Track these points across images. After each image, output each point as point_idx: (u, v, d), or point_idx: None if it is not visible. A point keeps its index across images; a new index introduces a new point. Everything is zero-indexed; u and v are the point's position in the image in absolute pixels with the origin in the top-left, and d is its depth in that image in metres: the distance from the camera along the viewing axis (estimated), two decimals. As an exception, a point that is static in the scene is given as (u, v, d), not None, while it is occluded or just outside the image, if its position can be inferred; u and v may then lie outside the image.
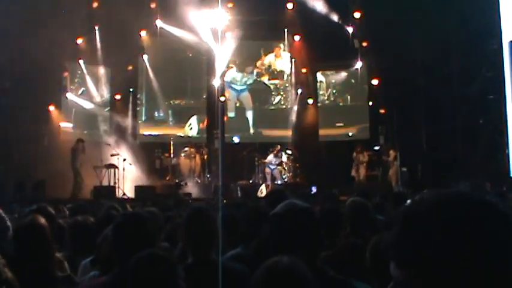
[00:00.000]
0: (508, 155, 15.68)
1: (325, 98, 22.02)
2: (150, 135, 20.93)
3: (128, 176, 17.55)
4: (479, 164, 15.57)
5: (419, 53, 18.04)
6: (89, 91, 19.63)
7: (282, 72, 21.91)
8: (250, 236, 4.00)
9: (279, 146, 18.78)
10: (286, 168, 18.67)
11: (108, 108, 20.07)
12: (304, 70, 21.29)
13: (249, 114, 21.68)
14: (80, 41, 18.95)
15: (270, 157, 18.41)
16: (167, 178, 18.63)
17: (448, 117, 17.43)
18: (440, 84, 17.12)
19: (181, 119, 21.27)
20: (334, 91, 21.95)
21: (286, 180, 18.41)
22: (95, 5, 18.92)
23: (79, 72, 19.56)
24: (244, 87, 21.68)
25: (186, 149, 19.07)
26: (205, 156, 19.10)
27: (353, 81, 21.41)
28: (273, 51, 21.79)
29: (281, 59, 21.83)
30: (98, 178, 17.04)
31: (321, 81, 21.92)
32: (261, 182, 18.13)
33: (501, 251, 1.07)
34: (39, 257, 3.34)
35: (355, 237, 4.21)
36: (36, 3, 16.37)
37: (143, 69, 20.74)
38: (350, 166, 18.58)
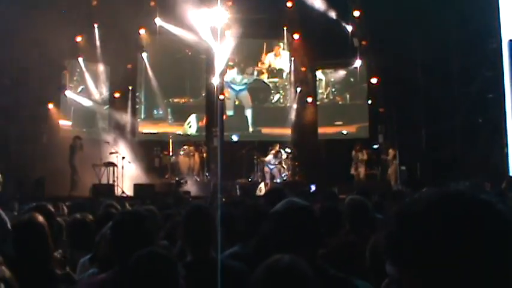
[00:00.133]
0: (507, 153, 15.70)
1: (325, 96, 22.01)
2: (149, 133, 20.92)
3: (126, 174, 17.53)
4: (479, 162, 15.57)
5: (418, 52, 18.03)
6: (88, 89, 19.62)
7: (281, 71, 21.91)
8: (248, 234, 3.99)
9: (278, 145, 18.75)
10: (285, 166, 18.66)
11: (107, 106, 20.06)
12: (303, 68, 21.27)
13: (248, 113, 21.68)
14: (79, 39, 18.92)
15: (270, 157, 18.39)
16: (166, 176, 18.62)
17: (448, 116, 17.43)
18: (439, 83, 17.11)
19: (180, 117, 21.26)
20: (333, 90, 21.94)
21: (285, 178, 18.40)
22: (94, 3, 18.90)
23: (78, 70, 19.54)
24: (243, 87, 21.69)
25: (185, 147, 19.06)
26: (204, 155, 19.11)
27: (352, 79, 21.40)
28: (272, 50, 21.79)
29: (280, 58, 21.82)
30: (97, 176, 17.03)
31: (320, 80, 21.91)
32: (260, 181, 18.13)
33: (500, 250, 1.07)
34: (38, 255, 3.33)
35: (355, 236, 4.21)
36: (36, 2, 16.36)
37: (142, 68, 20.73)
38: (349, 165, 18.58)
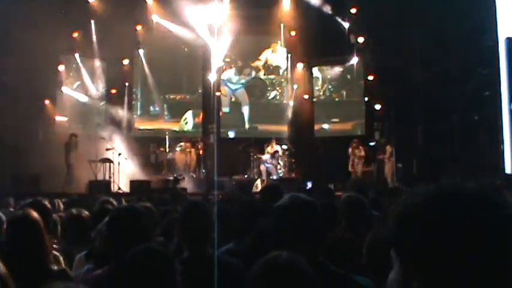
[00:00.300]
0: (503, 151, 15.72)
1: (321, 93, 22.01)
2: (145, 129, 20.89)
3: (123, 170, 17.51)
4: (475, 160, 15.60)
5: (415, 49, 18.03)
6: (84, 85, 19.59)
7: (278, 68, 21.90)
8: (243, 231, 3.99)
9: (274, 141, 18.73)
10: (281, 163, 18.66)
11: (104, 102, 20.02)
12: (300, 65, 21.27)
13: (245, 110, 21.67)
14: (75, 34, 18.87)
15: (267, 156, 18.36)
16: (163, 173, 18.61)
17: (444, 113, 17.44)
18: (436, 80, 17.13)
19: (176, 114, 21.25)
20: (330, 86, 21.94)
21: (281, 175, 18.40)
22: (91, -2, 18.91)
23: (74, 66, 19.50)
24: (239, 86, 21.70)
25: (182, 143, 19.05)
26: (201, 151, 19.08)
27: (349, 76, 21.40)
28: (269, 47, 21.77)
29: (277, 54, 21.81)
30: (93, 172, 17.02)
31: (316, 77, 21.90)
32: (256, 177, 18.12)
33: (501, 245, 1.07)
34: (32, 251, 3.32)
35: (351, 232, 4.22)
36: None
37: (139, 64, 20.70)
38: (346, 161, 18.59)
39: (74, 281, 3.45)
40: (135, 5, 19.38)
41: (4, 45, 15.73)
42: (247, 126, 21.61)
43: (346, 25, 19.89)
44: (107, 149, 17.43)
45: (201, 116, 21.00)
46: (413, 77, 17.82)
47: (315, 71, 21.78)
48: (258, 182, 17.42)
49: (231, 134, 21.00)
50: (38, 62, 16.01)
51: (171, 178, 17.35)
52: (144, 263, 2.44)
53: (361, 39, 19.73)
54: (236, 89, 21.71)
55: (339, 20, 19.93)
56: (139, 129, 20.72)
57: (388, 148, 17.80)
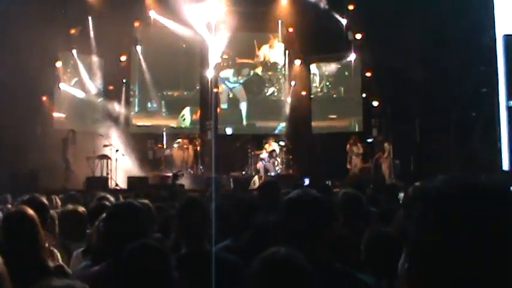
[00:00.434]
0: (500, 148, 15.75)
1: (319, 90, 22.00)
2: (143, 126, 20.87)
3: (120, 166, 17.50)
4: (472, 156, 15.62)
5: (413, 46, 18.02)
6: (82, 81, 19.54)
7: (275, 64, 21.88)
8: (240, 228, 3.98)
9: (272, 140, 18.73)
10: (278, 159, 18.66)
11: (101, 98, 19.99)
12: (297, 62, 21.26)
13: (243, 106, 21.67)
14: (73, 31, 18.83)
15: (265, 155, 18.34)
16: (161, 169, 18.59)
17: (441, 110, 17.45)
18: (434, 77, 17.13)
19: (174, 110, 21.22)
20: (327, 83, 21.93)
21: (279, 172, 18.40)
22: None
23: (72, 62, 19.46)
24: (236, 85, 21.70)
25: (179, 140, 19.03)
26: (198, 148, 19.08)
27: (347, 73, 21.37)
28: (267, 43, 21.75)
29: (275, 51, 21.79)
30: (91, 169, 17.01)
31: (314, 74, 21.89)
32: (253, 174, 18.12)
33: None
34: (28, 247, 3.32)
35: (349, 229, 4.22)
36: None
37: (136, 60, 20.65)
38: (343, 158, 18.60)
39: (71, 277, 3.45)
40: (132, 1, 19.36)
41: (1, 42, 15.69)
42: (244, 122, 21.60)
43: (343, 22, 19.89)
44: (105, 146, 17.41)
45: (198, 113, 20.98)
46: (411, 74, 17.80)
47: (313, 67, 21.76)
48: (256, 178, 17.42)
49: (229, 131, 20.99)
50: (35, 58, 15.97)
51: (170, 174, 17.32)
52: (140, 259, 2.43)
53: (358, 36, 19.72)
54: (233, 88, 21.71)
55: (337, 16, 19.92)
56: (136, 126, 20.69)
57: (387, 146, 17.80)
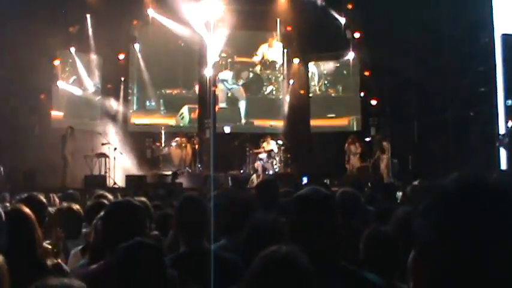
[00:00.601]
0: (498, 147, 15.75)
1: (317, 88, 22.00)
2: (141, 124, 20.85)
3: (118, 165, 17.48)
4: (470, 156, 15.62)
5: (411, 45, 18.04)
6: (80, 79, 19.52)
7: (274, 63, 21.87)
8: (236, 227, 3.97)
9: (269, 138, 18.73)
10: (277, 158, 18.65)
11: (100, 97, 19.96)
12: (296, 60, 21.26)
13: (241, 105, 21.66)
14: (71, 29, 18.81)
15: (263, 155, 18.31)
16: (159, 167, 18.58)
17: (440, 109, 17.48)
18: (432, 76, 17.14)
19: (172, 109, 21.20)
20: (326, 82, 21.94)
21: (277, 170, 18.39)
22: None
23: (70, 60, 19.43)
24: (235, 86, 21.70)
25: (177, 138, 19.01)
26: (197, 146, 19.06)
27: (345, 72, 21.39)
28: (266, 42, 21.74)
29: (273, 49, 21.78)
30: (89, 167, 16.99)
31: (312, 72, 21.90)
32: (252, 172, 18.12)
33: None
34: (25, 245, 3.31)
35: (346, 228, 4.21)
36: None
37: (135, 58, 20.63)
38: (342, 157, 18.60)
39: (69, 275, 3.44)
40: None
41: (0, 40, 15.66)
42: (243, 121, 21.60)
43: (342, 20, 19.90)
44: (103, 144, 17.38)
45: (197, 111, 20.97)
46: (409, 72, 17.82)
47: (311, 66, 21.77)
48: (254, 177, 17.40)
49: (227, 129, 20.98)
50: (33, 56, 15.98)
51: (170, 173, 17.30)
52: (133, 257, 2.43)
53: (357, 35, 19.74)
54: (231, 88, 21.71)
55: (335, 15, 19.93)
56: (135, 124, 20.66)
57: (385, 145, 17.80)
